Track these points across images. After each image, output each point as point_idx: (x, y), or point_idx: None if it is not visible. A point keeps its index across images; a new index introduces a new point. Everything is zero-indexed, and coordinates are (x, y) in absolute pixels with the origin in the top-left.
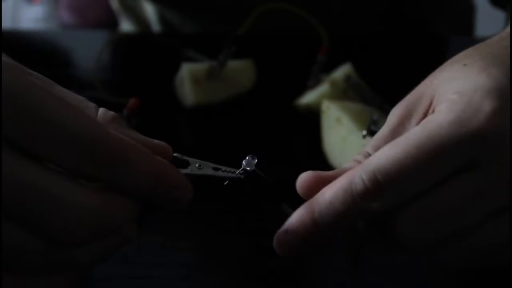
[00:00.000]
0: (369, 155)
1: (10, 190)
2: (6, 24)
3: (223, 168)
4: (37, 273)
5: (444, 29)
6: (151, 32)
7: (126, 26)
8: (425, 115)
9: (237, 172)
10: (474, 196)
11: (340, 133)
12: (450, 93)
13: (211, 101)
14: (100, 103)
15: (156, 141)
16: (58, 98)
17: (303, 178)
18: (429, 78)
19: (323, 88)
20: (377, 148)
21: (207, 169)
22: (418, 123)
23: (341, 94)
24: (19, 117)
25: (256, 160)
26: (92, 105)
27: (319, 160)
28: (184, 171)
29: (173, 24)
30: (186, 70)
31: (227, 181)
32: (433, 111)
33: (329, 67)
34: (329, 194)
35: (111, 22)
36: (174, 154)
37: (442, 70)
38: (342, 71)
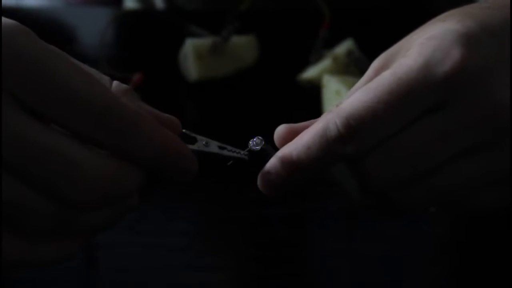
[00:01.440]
0: None
1: (22, 151)
2: (10, 1)
3: (229, 147)
4: (49, 235)
5: (446, 4)
6: (155, 9)
7: (130, 3)
8: None
9: (242, 153)
10: (440, 136)
11: None
12: (421, 39)
13: (214, 75)
14: None
15: (166, 115)
16: (72, 65)
17: (279, 132)
18: (411, 34)
19: (325, 63)
20: None
21: (213, 147)
22: None
23: (343, 69)
24: (32, 80)
25: (264, 142)
26: (106, 77)
27: None
28: (191, 147)
29: (176, 2)
30: (190, 45)
31: (231, 161)
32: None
33: (332, 43)
34: (306, 138)
35: (114, 1)
36: (183, 130)
37: (424, 26)
38: (344, 47)
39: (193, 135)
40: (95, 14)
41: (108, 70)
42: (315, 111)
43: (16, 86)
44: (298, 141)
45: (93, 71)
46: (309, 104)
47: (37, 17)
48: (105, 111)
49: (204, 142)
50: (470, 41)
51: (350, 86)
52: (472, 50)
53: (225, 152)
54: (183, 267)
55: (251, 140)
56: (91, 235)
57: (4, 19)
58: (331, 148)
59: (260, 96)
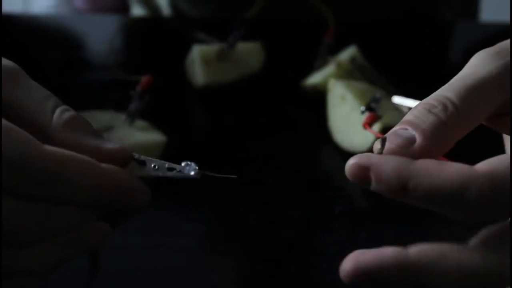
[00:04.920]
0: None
1: None
2: (17, 9)
3: (178, 167)
4: None
5: (449, 13)
6: (162, 16)
7: (137, 11)
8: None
9: (192, 173)
10: None
11: (344, 110)
12: None
13: (221, 81)
14: (113, 82)
15: (111, 145)
16: None
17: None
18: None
19: (329, 69)
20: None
21: (163, 170)
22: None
23: (347, 75)
24: None
25: (197, 167)
26: (50, 105)
27: (324, 138)
28: (139, 173)
29: (183, 10)
30: (197, 51)
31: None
32: None
33: (336, 50)
34: None
35: (122, 9)
36: (133, 154)
37: None
38: (348, 53)
39: (142, 158)
40: (103, 22)
41: (116, 74)
42: (320, 115)
43: None
44: None
45: (42, 95)
46: (313, 108)
47: (46, 25)
48: (23, 164)
49: (152, 165)
50: None
51: (355, 90)
52: None
53: (174, 174)
54: (189, 268)
55: (186, 165)
56: (45, 273)
57: None
58: None
59: (266, 101)
